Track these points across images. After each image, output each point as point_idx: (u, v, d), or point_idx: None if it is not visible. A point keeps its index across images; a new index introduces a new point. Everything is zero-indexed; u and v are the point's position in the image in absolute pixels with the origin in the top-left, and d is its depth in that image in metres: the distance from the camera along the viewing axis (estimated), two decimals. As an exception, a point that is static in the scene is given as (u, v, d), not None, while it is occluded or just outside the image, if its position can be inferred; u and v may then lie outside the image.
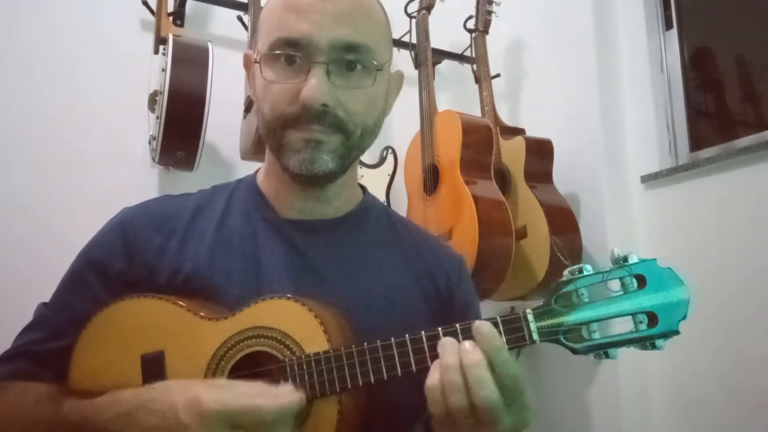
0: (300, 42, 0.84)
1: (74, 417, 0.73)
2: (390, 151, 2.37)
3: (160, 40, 1.97)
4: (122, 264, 0.88)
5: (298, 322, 0.78)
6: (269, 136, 0.90)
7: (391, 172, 2.35)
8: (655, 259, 0.70)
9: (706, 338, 1.98)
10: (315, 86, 0.82)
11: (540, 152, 2.30)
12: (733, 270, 1.95)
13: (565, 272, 0.72)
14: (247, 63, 0.97)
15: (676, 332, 0.68)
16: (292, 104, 0.85)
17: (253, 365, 0.79)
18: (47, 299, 0.91)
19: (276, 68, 0.86)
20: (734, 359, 1.93)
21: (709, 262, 1.99)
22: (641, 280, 0.70)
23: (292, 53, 0.85)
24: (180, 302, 0.83)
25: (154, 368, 0.80)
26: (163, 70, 1.88)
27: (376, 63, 0.88)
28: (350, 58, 0.86)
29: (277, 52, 0.85)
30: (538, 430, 2.37)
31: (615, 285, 0.71)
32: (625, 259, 0.70)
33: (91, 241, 0.93)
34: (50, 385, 0.81)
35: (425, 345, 0.73)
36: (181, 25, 2.15)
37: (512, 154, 2.31)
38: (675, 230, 2.14)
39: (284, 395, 0.71)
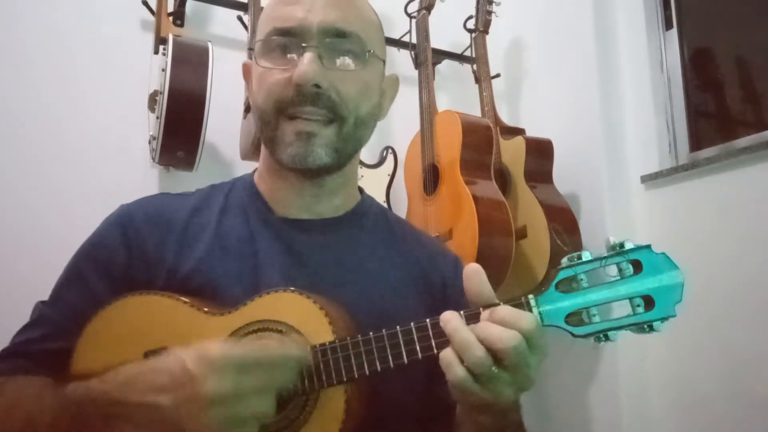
0: (292, 29, 0.87)
1: (78, 394, 0.72)
2: (390, 151, 2.37)
3: (160, 40, 1.97)
4: (122, 261, 0.88)
5: (302, 314, 0.78)
6: (263, 128, 0.91)
7: (391, 172, 2.34)
8: (649, 245, 0.71)
9: (706, 338, 1.98)
10: (306, 66, 0.84)
11: (540, 152, 2.30)
12: (733, 270, 1.95)
13: (564, 259, 0.73)
14: (246, 71, 0.99)
15: (672, 315, 0.69)
16: (286, 89, 0.86)
17: None
18: (46, 299, 0.91)
19: (271, 58, 0.89)
20: (734, 359, 1.93)
21: (710, 262, 1.98)
22: (637, 266, 0.71)
23: (284, 41, 0.87)
24: (183, 298, 0.82)
25: None
26: (163, 70, 1.88)
27: (367, 51, 0.90)
28: (341, 44, 0.88)
29: (273, 37, 0.88)
30: (538, 429, 2.38)
31: (612, 271, 0.72)
32: (621, 245, 0.71)
33: (90, 238, 0.92)
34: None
35: (430, 332, 0.73)
36: (181, 25, 2.16)
37: (512, 154, 2.31)
38: (675, 230, 2.14)
39: (291, 344, 0.73)
